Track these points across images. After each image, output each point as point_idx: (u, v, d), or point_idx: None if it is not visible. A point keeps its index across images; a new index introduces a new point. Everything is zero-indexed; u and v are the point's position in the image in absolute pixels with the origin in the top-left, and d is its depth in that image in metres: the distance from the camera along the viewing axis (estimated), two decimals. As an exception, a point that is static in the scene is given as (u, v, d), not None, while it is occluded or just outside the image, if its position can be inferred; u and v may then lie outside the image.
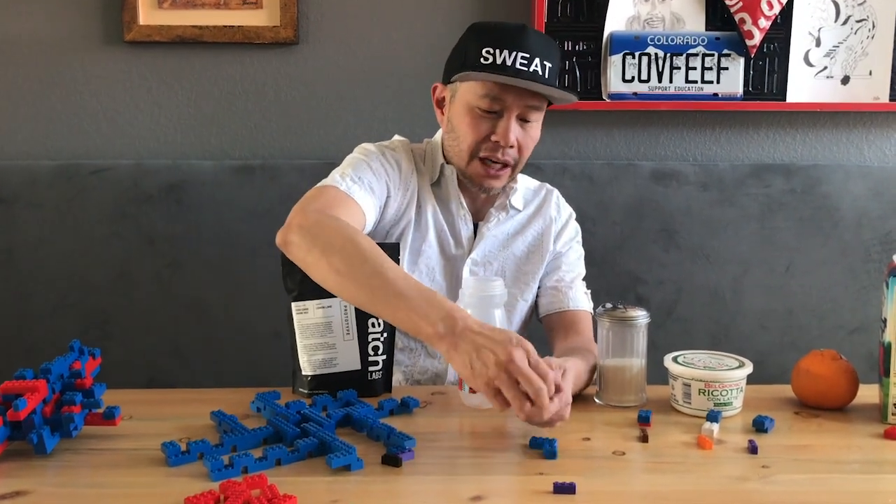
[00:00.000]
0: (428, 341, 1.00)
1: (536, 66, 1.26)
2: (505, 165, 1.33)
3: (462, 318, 0.99)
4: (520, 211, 1.44)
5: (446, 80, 1.36)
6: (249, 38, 1.85)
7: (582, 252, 1.50)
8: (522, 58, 1.25)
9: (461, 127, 1.32)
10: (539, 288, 1.45)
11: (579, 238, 1.50)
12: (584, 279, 1.47)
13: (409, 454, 0.96)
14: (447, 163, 1.38)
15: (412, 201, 1.36)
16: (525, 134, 1.32)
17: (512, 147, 1.31)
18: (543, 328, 1.44)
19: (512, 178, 1.38)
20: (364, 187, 1.26)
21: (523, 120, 1.31)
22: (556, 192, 1.50)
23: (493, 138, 1.30)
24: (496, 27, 1.30)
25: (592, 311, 1.43)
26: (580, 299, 1.42)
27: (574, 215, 1.51)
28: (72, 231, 1.81)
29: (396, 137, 1.44)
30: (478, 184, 1.35)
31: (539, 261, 1.44)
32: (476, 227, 1.41)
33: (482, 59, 1.26)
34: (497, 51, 1.26)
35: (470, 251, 1.40)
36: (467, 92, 1.30)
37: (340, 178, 1.25)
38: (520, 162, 1.35)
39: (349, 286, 1.08)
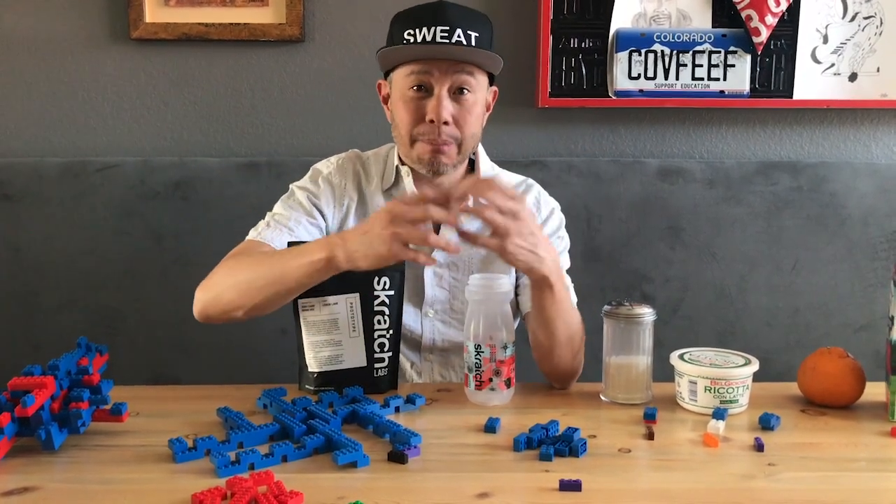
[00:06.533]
0: (329, 266, 1.10)
1: (459, 36, 1.24)
2: (447, 143, 1.29)
3: (338, 235, 1.13)
4: None
5: (384, 75, 1.35)
6: (255, 36, 1.85)
7: (567, 244, 1.44)
8: (442, 31, 1.24)
9: (398, 115, 1.31)
10: (517, 287, 1.39)
11: (562, 232, 1.43)
12: (568, 271, 1.38)
13: (414, 451, 0.96)
14: (402, 164, 1.37)
15: (350, 212, 1.36)
16: (461, 108, 1.28)
17: (447, 124, 1.27)
18: (526, 327, 1.36)
19: (461, 159, 1.33)
20: (277, 226, 1.31)
21: (458, 94, 1.28)
22: (536, 188, 1.45)
23: (428, 118, 1.27)
24: (414, 8, 1.29)
25: (575, 306, 1.39)
26: None
27: (557, 208, 1.45)
28: (79, 228, 1.81)
29: (353, 151, 1.43)
30: (428, 164, 1.30)
31: None
32: (439, 227, 1.37)
33: (403, 42, 1.26)
34: (416, 30, 1.25)
35: (431, 251, 1.37)
36: (399, 80, 1.30)
37: (254, 229, 1.32)
38: (463, 140, 1.30)
39: (254, 288, 1.16)
